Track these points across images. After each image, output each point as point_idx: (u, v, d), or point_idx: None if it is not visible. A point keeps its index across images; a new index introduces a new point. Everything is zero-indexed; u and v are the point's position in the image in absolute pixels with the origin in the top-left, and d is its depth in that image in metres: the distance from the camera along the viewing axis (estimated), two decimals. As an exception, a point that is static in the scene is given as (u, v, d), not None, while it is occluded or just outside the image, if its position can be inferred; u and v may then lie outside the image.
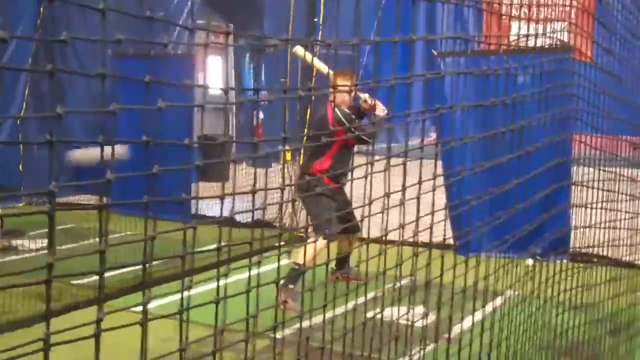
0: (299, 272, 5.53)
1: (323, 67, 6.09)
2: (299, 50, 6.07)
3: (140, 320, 1.34)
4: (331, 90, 5.73)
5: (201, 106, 1.56)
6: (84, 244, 6.59)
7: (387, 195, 2.20)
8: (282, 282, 5.26)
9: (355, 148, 6.27)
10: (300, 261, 5.48)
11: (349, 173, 5.78)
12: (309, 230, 5.89)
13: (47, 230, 1.20)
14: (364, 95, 5.91)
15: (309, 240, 5.15)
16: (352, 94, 5.88)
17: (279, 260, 1.84)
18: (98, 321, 1.23)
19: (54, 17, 10.43)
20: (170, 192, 1.49)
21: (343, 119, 5.76)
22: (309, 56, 6.09)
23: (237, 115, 14.54)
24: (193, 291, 1.50)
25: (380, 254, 2.20)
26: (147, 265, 1.39)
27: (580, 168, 3.99)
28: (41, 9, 10.25)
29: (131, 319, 1.39)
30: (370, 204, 2.12)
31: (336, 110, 5.81)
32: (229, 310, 1.61)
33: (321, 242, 5.39)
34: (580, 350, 3.93)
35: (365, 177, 2.11)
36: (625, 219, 4.57)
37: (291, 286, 5.56)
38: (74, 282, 5.51)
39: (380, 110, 5.76)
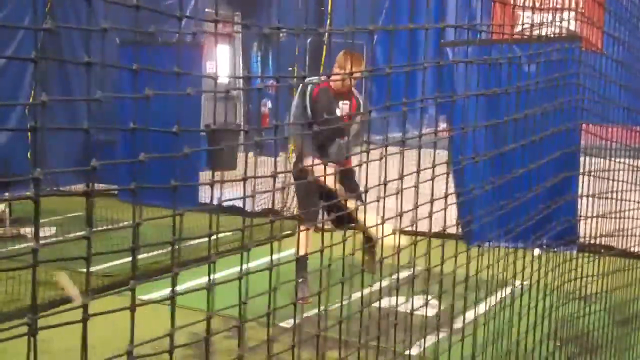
0: (300, 262, 5.55)
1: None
2: (308, 161, 5.65)
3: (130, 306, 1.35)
4: (337, 74, 5.71)
5: (182, 94, 1.56)
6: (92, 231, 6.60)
7: (388, 184, 2.19)
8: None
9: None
10: (298, 251, 5.49)
11: (334, 151, 5.75)
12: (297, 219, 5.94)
13: (55, 217, 1.20)
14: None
15: (296, 229, 5.23)
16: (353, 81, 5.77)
17: (271, 253, 1.85)
18: (84, 306, 1.24)
19: (63, 4, 10.45)
20: (179, 181, 1.49)
21: (324, 98, 5.63)
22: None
23: (244, 104, 14.54)
24: (201, 280, 1.50)
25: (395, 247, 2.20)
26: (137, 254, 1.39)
27: (589, 158, 3.98)
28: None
29: (137, 308, 1.40)
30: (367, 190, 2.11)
31: (321, 89, 5.69)
32: (231, 300, 1.61)
33: (301, 228, 5.46)
34: (587, 340, 3.94)
35: (360, 164, 2.11)
36: (635, 209, 4.56)
37: (300, 280, 5.57)
38: (81, 270, 5.51)
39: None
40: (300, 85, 5.60)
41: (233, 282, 1.59)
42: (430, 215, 2.39)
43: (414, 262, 2.34)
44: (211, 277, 1.54)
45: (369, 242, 6.26)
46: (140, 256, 1.45)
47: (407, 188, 2.26)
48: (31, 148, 9.61)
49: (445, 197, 2.49)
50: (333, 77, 5.75)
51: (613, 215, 4.22)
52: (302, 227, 5.52)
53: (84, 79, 1.16)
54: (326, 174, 5.37)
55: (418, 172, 2.31)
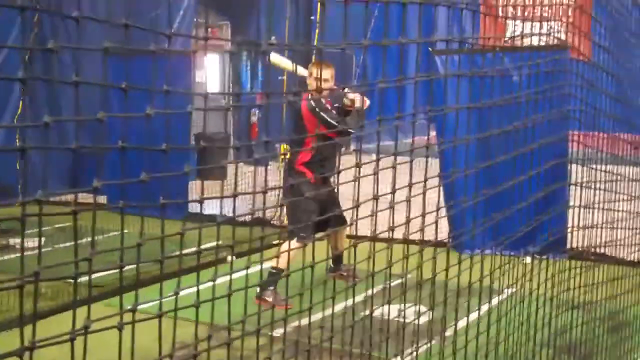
0: (276, 275, 5.51)
1: (302, 71, 6.03)
2: (275, 57, 5.91)
3: (118, 324, 1.34)
4: (310, 79, 5.76)
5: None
6: (80, 242, 6.56)
7: (376, 198, 2.19)
8: (258, 290, 5.20)
9: (352, 145, 6.23)
10: (278, 264, 5.45)
11: (334, 166, 5.78)
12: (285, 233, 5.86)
13: (43, 228, 1.19)
14: (353, 95, 5.77)
15: (283, 244, 5.17)
16: (330, 84, 5.79)
17: (261, 263, 1.84)
18: (86, 328, 1.23)
19: (51, 20, 10.41)
20: (166, 191, 1.48)
21: (315, 107, 5.68)
22: (285, 62, 5.99)
23: (234, 114, 14.53)
24: (189, 290, 1.50)
25: (369, 256, 2.19)
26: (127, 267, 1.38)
27: (578, 167, 3.99)
28: (36, 14, 10.22)
29: (124, 318, 1.38)
30: (357, 204, 2.11)
31: (309, 98, 5.73)
32: (220, 309, 1.60)
33: (294, 245, 5.35)
34: (580, 348, 3.93)
35: (356, 178, 2.10)
36: (625, 220, 4.57)
37: (271, 288, 5.53)
38: (70, 281, 5.48)
39: (363, 103, 5.66)
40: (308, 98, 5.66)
41: (220, 291, 1.58)
42: (422, 228, 2.39)
43: (401, 271, 2.34)
44: (198, 287, 1.53)
45: (336, 263, 6.29)
46: (129, 267, 1.45)
47: (398, 202, 2.25)
48: (19, 165, 9.55)
49: (437, 209, 2.49)
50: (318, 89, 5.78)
51: (603, 225, 4.22)
52: (296, 244, 5.43)
53: (71, 92, 1.15)
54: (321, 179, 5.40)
55: (410, 185, 2.31)
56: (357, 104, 5.67)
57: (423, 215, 2.43)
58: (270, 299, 5.25)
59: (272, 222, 8.44)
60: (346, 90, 5.88)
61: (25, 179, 9.46)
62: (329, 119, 5.65)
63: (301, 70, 6.04)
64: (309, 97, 5.77)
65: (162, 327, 1.43)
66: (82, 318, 1.27)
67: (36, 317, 1.16)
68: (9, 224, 7.74)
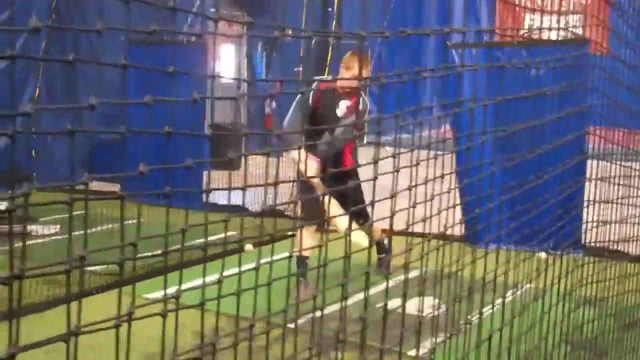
0: (301, 263, 5.54)
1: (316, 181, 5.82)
2: (294, 155, 5.50)
3: (162, 311, 1.34)
4: (342, 78, 5.71)
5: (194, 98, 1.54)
6: (97, 230, 6.60)
7: (393, 195, 2.18)
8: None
9: (365, 138, 6.19)
10: (303, 252, 5.47)
11: (339, 161, 5.72)
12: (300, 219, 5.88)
13: (58, 216, 1.19)
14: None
15: (297, 231, 5.17)
16: (353, 72, 5.71)
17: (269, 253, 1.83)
18: (130, 314, 1.22)
19: (68, 1, 10.44)
20: (181, 180, 1.48)
21: (324, 100, 5.64)
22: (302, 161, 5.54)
23: (248, 104, 14.51)
24: (208, 278, 1.49)
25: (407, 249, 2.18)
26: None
27: (596, 162, 3.95)
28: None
29: (153, 308, 1.38)
30: (374, 198, 2.09)
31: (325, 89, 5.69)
32: (243, 298, 1.60)
33: (305, 232, 5.43)
34: (596, 344, 3.91)
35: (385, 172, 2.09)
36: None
37: (302, 279, 5.57)
38: (90, 268, 5.51)
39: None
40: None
41: (236, 281, 1.58)
42: (439, 214, 2.37)
43: (423, 264, 2.32)
44: (216, 276, 1.52)
45: (381, 254, 6.31)
46: (144, 254, 1.44)
47: (405, 189, 2.24)
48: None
49: (454, 205, 2.47)
50: (341, 78, 5.75)
51: (621, 220, 4.19)
52: (308, 229, 5.49)
53: (89, 78, 1.14)
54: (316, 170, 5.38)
55: (426, 181, 2.29)
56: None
57: (446, 209, 2.42)
58: (302, 294, 5.30)
59: (286, 213, 8.45)
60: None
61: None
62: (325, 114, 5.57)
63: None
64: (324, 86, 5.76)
65: (182, 317, 1.42)
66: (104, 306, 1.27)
67: (81, 302, 1.16)
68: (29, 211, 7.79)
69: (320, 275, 1.84)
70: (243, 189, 1.67)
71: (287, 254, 1.74)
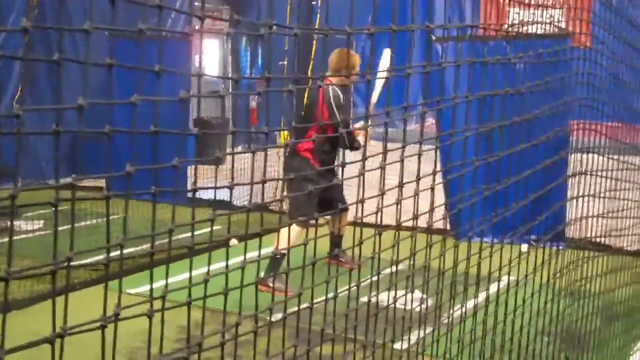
0: (277, 260, 5.52)
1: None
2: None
3: (148, 312, 1.35)
4: (328, 75, 5.75)
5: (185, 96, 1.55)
6: (80, 225, 6.58)
7: (382, 193, 2.19)
8: (262, 274, 5.23)
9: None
10: (279, 248, 5.46)
11: (337, 156, 5.79)
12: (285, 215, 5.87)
13: (42, 211, 1.20)
14: (360, 132, 5.75)
15: (283, 226, 5.16)
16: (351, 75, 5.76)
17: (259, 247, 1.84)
18: (116, 315, 1.23)
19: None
20: (166, 174, 1.49)
21: (332, 99, 5.70)
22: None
23: (233, 99, 14.47)
24: (194, 273, 1.50)
25: (370, 238, 2.20)
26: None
27: (579, 155, 3.99)
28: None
29: (131, 301, 1.39)
30: (363, 197, 2.11)
31: (328, 89, 5.75)
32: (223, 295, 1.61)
33: (295, 228, 5.35)
34: (577, 336, 3.95)
35: (360, 173, 2.10)
36: (627, 209, 4.58)
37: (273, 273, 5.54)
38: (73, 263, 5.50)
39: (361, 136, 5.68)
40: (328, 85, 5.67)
41: (219, 276, 1.59)
42: (423, 215, 2.39)
43: (396, 258, 2.34)
44: (200, 270, 1.53)
45: (334, 246, 6.30)
46: (128, 250, 1.45)
47: (394, 186, 2.26)
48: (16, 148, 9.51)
49: (441, 203, 2.49)
50: (337, 77, 5.80)
51: (602, 215, 4.23)
52: (298, 226, 5.41)
53: (72, 74, 1.15)
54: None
55: (418, 178, 2.31)
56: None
57: (431, 205, 2.44)
58: (274, 285, 5.22)
59: (270, 207, 8.45)
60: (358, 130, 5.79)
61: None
62: (337, 116, 5.62)
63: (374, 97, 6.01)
64: (331, 86, 5.79)
65: (167, 312, 1.43)
66: (89, 302, 1.27)
67: (67, 299, 1.17)
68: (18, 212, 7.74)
69: (306, 271, 1.85)
70: (230, 187, 1.68)
71: (271, 249, 1.75)
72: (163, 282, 1.47)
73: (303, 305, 1.88)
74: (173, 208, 1.51)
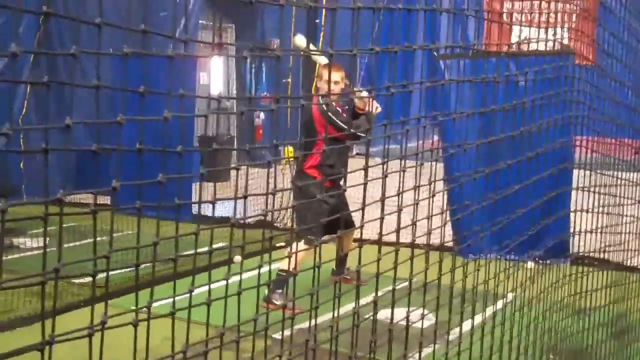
0: (284, 278, 5.50)
1: (321, 60, 6.06)
2: (299, 40, 6.10)
3: (133, 320, 1.35)
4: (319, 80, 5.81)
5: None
6: (84, 242, 6.57)
7: (382, 200, 2.19)
8: (266, 293, 5.16)
9: (355, 149, 6.22)
10: (285, 267, 5.45)
11: (343, 170, 5.78)
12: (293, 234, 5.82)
13: (49, 228, 1.21)
14: (363, 94, 5.76)
15: (292, 245, 5.13)
16: (341, 87, 5.76)
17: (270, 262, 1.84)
18: (103, 323, 1.23)
19: (57, 19, 10.37)
20: (170, 192, 1.49)
21: (326, 110, 5.67)
22: (309, 47, 6.11)
23: (237, 116, 14.51)
24: (196, 290, 1.50)
25: (379, 258, 2.20)
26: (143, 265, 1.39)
27: (582, 172, 3.99)
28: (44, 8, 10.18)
29: (129, 318, 1.39)
30: (362, 207, 2.11)
31: (320, 101, 5.74)
32: (229, 311, 1.60)
33: (303, 247, 5.29)
34: (583, 354, 3.93)
35: (364, 182, 2.10)
36: (627, 223, 4.57)
37: (279, 291, 5.54)
38: (76, 280, 5.50)
39: (374, 108, 5.68)
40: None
41: (229, 293, 1.59)
42: (429, 231, 2.39)
43: (405, 274, 2.34)
44: (205, 288, 1.53)
45: (339, 267, 6.26)
46: (126, 270, 1.46)
47: (405, 206, 2.25)
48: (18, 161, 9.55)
49: (443, 212, 2.49)
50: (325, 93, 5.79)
51: (607, 230, 4.22)
52: (304, 245, 5.38)
53: (80, 91, 1.16)
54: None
55: (432, 195, 2.31)
56: (368, 107, 5.69)
57: (429, 217, 2.44)
58: (278, 302, 5.21)
59: (274, 224, 8.45)
60: (363, 93, 5.83)
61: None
62: (339, 123, 5.64)
63: (322, 60, 6.04)
64: (320, 99, 5.78)
65: (168, 329, 1.43)
66: (87, 318, 1.28)
67: (55, 312, 1.17)
68: (14, 224, 7.76)
69: (303, 287, 1.85)
70: (241, 197, 1.68)
71: (276, 266, 1.75)
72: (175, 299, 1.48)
73: (309, 323, 1.87)
74: (176, 224, 1.51)
